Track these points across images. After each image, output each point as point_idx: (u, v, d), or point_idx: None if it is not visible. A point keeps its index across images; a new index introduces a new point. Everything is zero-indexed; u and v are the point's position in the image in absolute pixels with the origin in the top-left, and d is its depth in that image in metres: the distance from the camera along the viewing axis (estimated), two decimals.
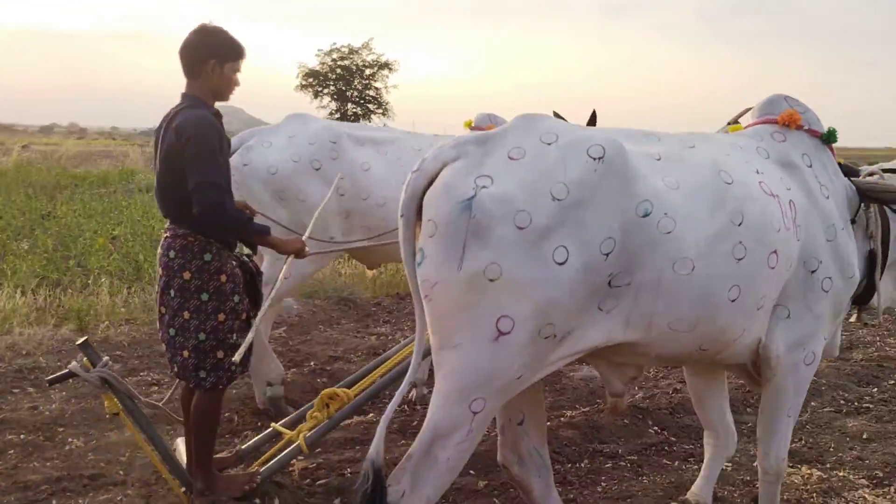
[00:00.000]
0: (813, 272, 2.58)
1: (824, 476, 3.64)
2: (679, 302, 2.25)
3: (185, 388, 3.10)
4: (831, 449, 4.00)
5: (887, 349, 5.83)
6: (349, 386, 3.22)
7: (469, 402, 2.08)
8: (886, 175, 3.00)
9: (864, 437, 4.13)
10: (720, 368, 2.95)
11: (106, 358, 2.89)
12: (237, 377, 3.01)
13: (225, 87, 2.94)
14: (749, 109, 3.77)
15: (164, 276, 2.87)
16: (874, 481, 3.61)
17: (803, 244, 2.56)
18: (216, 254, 2.87)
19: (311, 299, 6.78)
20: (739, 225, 2.34)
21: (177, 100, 2.90)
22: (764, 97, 2.96)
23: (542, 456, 2.58)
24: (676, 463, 3.84)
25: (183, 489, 2.98)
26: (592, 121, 4.30)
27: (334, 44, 37.72)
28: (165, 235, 2.90)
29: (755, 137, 2.77)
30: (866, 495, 3.44)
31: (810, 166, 2.73)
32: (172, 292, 2.84)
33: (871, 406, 4.62)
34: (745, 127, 2.92)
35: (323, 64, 37.21)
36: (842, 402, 4.68)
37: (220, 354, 2.88)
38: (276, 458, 3.10)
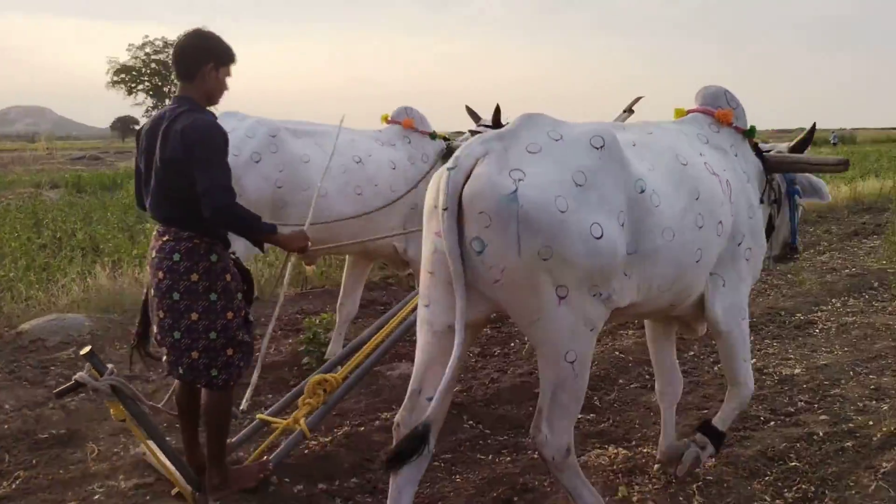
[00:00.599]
0: (739, 244, 3.08)
1: (630, 454, 3.68)
2: (666, 265, 2.69)
3: (182, 390, 3.13)
4: (637, 426, 4.09)
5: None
6: (330, 370, 3.49)
7: (563, 356, 2.49)
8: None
9: None
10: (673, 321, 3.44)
11: (111, 366, 2.87)
12: (244, 374, 3.08)
13: (218, 91, 3.01)
14: (640, 98, 4.19)
15: (166, 280, 2.88)
16: None
17: (734, 219, 3.03)
18: (221, 254, 2.95)
19: (108, 314, 6.10)
20: (697, 199, 2.80)
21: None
22: (708, 87, 3.39)
23: (430, 442, 2.55)
24: (490, 456, 3.73)
25: (190, 489, 3.05)
26: (497, 115, 4.77)
27: (146, 37, 35.38)
28: (165, 239, 2.91)
29: (695, 125, 3.25)
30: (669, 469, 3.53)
31: (737, 156, 3.24)
32: (177, 295, 2.87)
33: None
34: (688, 111, 3.36)
35: (136, 58, 34.79)
36: (647, 377, 4.80)
37: (230, 352, 2.95)
38: (281, 446, 3.28)
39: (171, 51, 3.18)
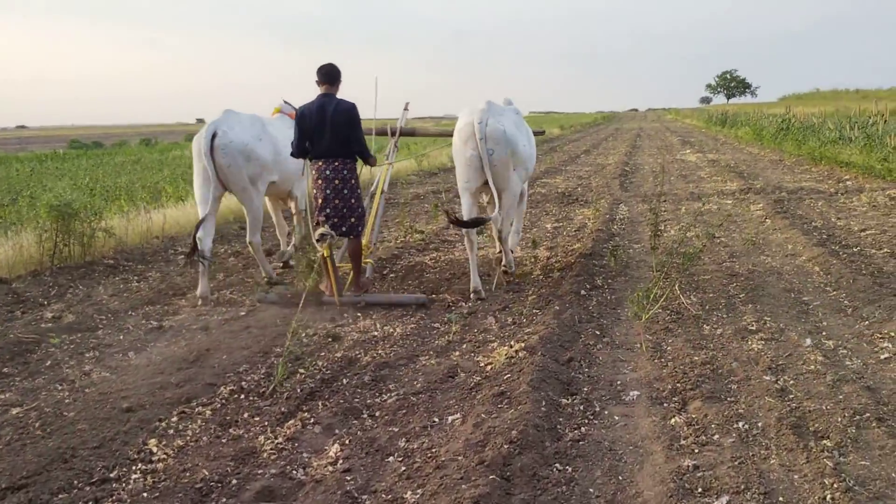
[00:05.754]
0: (529, 162, 6.38)
1: None
2: (530, 161, 6.34)
3: (323, 248, 5.66)
4: None
5: None
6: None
7: (514, 195, 6.11)
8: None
9: None
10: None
11: (328, 227, 5.70)
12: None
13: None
14: (408, 102, 8.26)
15: (341, 184, 5.81)
16: None
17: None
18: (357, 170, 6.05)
19: None
20: (530, 140, 6.41)
21: None
22: (505, 98, 6.78)
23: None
24: None
25: (336, 296, 5.91)
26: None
27: None
28: (336, 164, 5.81)
29: (510, 110, 6.37)
30: None
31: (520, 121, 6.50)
32: (347, 191, 5.83)
33: None
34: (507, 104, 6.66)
35: None
36: None
37: (363, 218, 6.10)
38: (367, 271, 6.52)
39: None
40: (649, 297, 5.31)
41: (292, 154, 6.03)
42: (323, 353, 4.87)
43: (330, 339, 5.18)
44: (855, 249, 7.40)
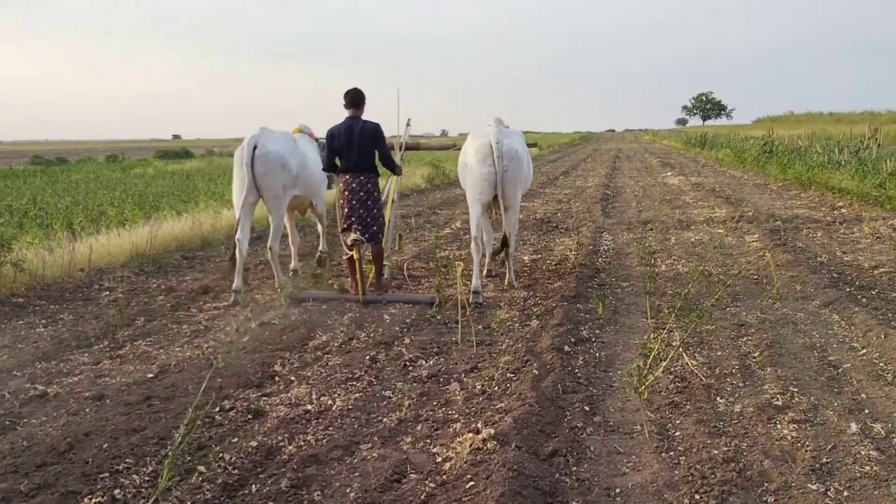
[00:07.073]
0: (528, 180, 7.07)
1: None
2: (527, 180, 6.96)
3: (356, 249, 6.36)
4: None
5: None
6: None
7: (517, 210, 6.76)
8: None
9: None
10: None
11: (358, 234, 6.37)
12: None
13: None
14: (409, 118, 8.37)
15: (365, 195, 6.45)
16: None
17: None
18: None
19: None
20: (529, 160, 7.04)
21: None
22: (496, 118, 7.10)
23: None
24: None
25: (361, 294, 6.59)
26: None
27: None
28: (361, 178, 6.45)
29: (517, 133, 7.04)
30: None
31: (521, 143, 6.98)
32: (370, 202, 6.45)
33: None
34: (505, 127, 7.07)
35: None
36: None
37: (383, 226, 6.70)
38: (385, 273, 7.13)
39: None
40: (648, 357, 4.31)
41: (323, 168, 6.77)
42: (235, 440, 3.77)
43: (250, 416, 4.09)
44: (873, 292, 6.48)
